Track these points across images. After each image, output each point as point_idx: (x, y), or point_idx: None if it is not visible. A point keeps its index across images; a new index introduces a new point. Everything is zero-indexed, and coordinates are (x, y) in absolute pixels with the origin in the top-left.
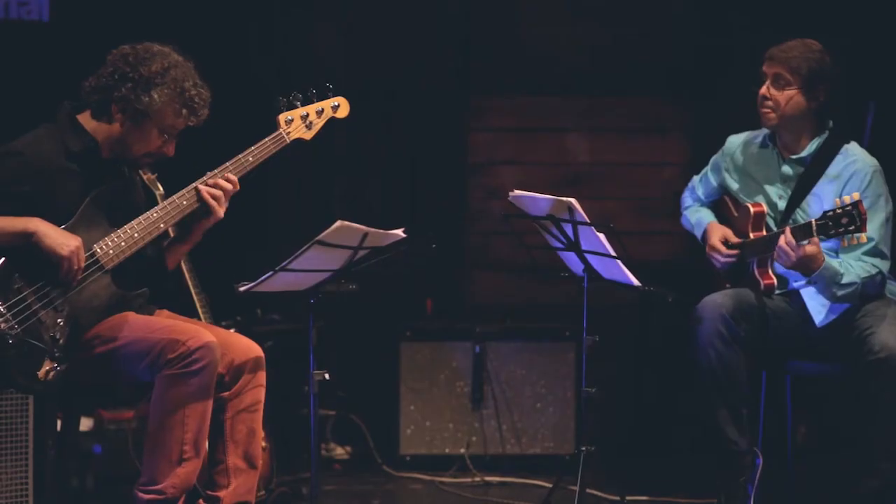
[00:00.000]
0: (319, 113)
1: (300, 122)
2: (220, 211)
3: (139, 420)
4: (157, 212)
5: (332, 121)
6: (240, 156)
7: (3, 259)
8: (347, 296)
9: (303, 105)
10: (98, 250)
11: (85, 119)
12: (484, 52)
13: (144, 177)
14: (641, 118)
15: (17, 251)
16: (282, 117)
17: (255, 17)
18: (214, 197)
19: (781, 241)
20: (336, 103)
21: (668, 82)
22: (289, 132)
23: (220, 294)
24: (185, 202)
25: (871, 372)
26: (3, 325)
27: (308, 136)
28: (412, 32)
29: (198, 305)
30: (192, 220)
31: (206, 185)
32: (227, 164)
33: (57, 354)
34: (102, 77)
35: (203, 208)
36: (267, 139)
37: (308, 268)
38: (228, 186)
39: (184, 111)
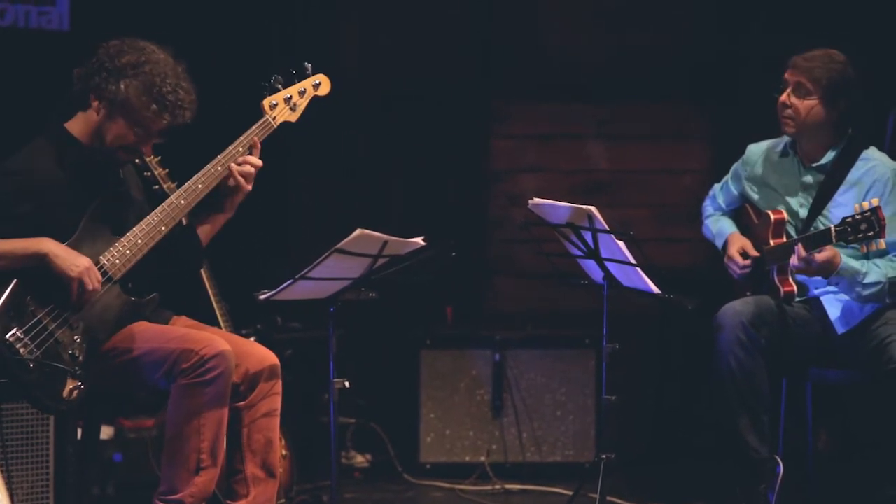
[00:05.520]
0: (302, 93)
1: (284, 105)
2: (248, 186)
3: (159, 428)
4: (156, 215)
5: (315, 99)
6: (230, 147)
7: (14, 281)
8: (367, 304)
9: (284, 87)
10: (105, 262)
11: (72, 124)
12: (506, 59)
13: (156, 172)
14: (662, 125)
15: (27, 271)
16: (266, 102)
17: (277, 18)
18: (244, 175)
19: (793, 259)
20: (317, 81)
21: (690, 89)
22: (274, 117)
23: (241, 302)
24: (182, 202)
25: (890, 380)
26: (23, 351)
27: (293, 118)
28: (434, 38)
29: (218, 314)
30: (225, 196)
31: (237, 163)
32: (219, 157)
33: (78, 372)
34: (86, 66)
35: (233, 186)
36: (254, 127)
37: (328, 276)
38: (258, 164)
39: (153, 106)
